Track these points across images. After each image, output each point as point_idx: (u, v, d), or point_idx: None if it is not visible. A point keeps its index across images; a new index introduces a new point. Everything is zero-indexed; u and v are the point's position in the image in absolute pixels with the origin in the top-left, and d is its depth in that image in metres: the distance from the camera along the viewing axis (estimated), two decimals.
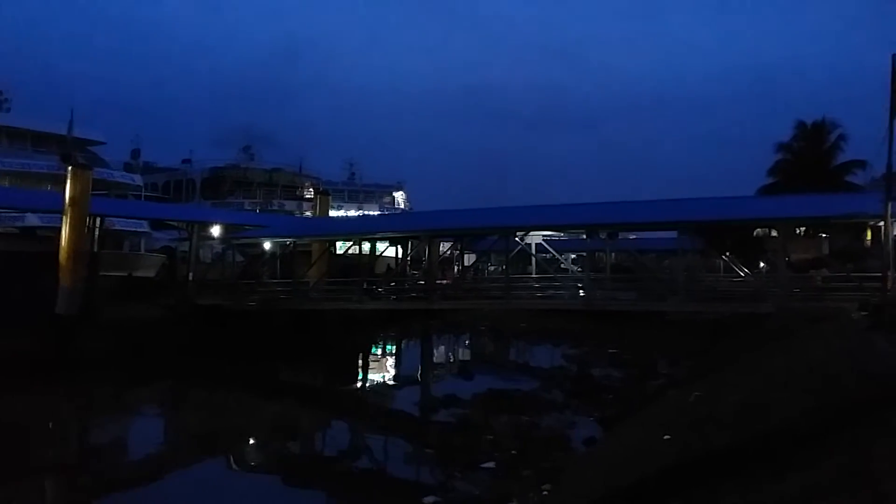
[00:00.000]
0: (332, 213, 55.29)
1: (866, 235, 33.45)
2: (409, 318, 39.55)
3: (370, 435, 20.97)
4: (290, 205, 62.14)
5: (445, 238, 42.16)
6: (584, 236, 34.53)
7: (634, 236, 49.81)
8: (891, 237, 19.79)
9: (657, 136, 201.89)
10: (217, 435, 19.93)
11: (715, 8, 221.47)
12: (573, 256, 51.96)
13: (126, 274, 35.12)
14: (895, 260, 19.90)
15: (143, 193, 52.00)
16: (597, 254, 42.61)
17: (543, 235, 38.50)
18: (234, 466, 17.60)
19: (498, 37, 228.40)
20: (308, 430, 22.14)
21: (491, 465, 15.09)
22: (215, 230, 39.79)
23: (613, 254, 43.90)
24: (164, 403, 25.37)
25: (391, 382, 31.18)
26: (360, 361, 34.45)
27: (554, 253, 38.04)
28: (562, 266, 39.79)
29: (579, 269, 40.03)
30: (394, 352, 40.83)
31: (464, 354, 40.95)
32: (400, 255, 42.92)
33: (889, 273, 19.23)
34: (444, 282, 38.53)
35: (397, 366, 36.47)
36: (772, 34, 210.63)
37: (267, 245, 38.14)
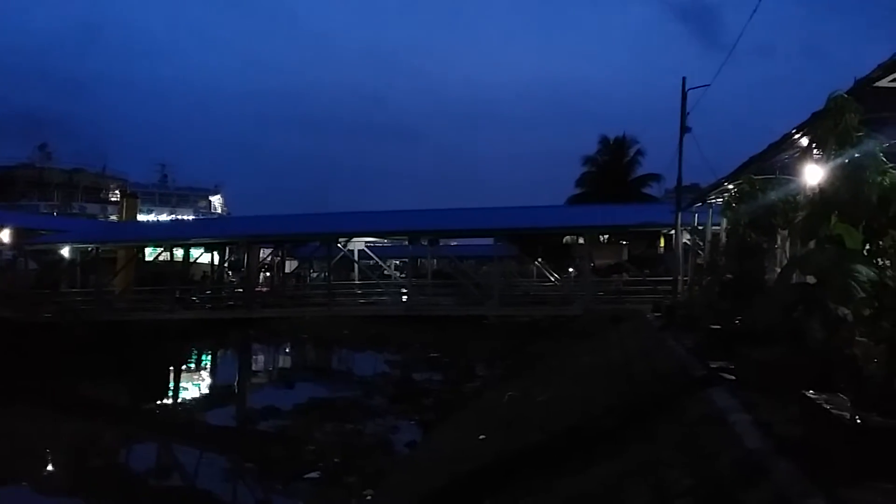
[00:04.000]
0: (142, 217, 52.17)
1: (660, 243, 36.62)
2: (226, 327, 37.97)
3: (184, 452, 19.90)
4: (92, 208, 57.97)
5: (265, 244, 41.05)
6: (407, 243, 35.06)
7: (455, 243, 51.26)
8: (681, 244, 21.86)
9: (475, 145, 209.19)
10: (8, 459, 17.98)
11: (529, 24, 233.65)
12: (396, 263, 52.48)
13: None
14: (684, 265, 21.99)
15: None
16: (419, 260, 43.40)
17: (366, 242, 38.59)
18: (29, 492, 15.98)
19: (317, 41, 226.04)
20: (114, 450, 20.58)
21: (314, 474, 14.89)
22: (4, 235, 36.09)
23: (435, 260, 44.88)
24: None
25: (207, 396, 29.77)
26: (173, 375, 32.59)
27: (377, 259, 38.21)
28: (385, 272, 40.03)
29: (402, 276, 40.47)
30: (210, 364, 39.02)
31: (285, 364, 39.99)
32: (217, 262, 41.23)
33: (679, 277, 21.19)
34: (264, 289, 37.52)
35: (213, 378, 34.89)
36: (583, 54, 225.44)
37: (65, 251, 35.10)
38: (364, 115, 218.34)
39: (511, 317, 33.28)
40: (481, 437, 10.84)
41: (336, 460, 15.63)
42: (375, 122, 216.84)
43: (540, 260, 38.60)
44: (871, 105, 5.65)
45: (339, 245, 32.98)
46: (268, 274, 43.96)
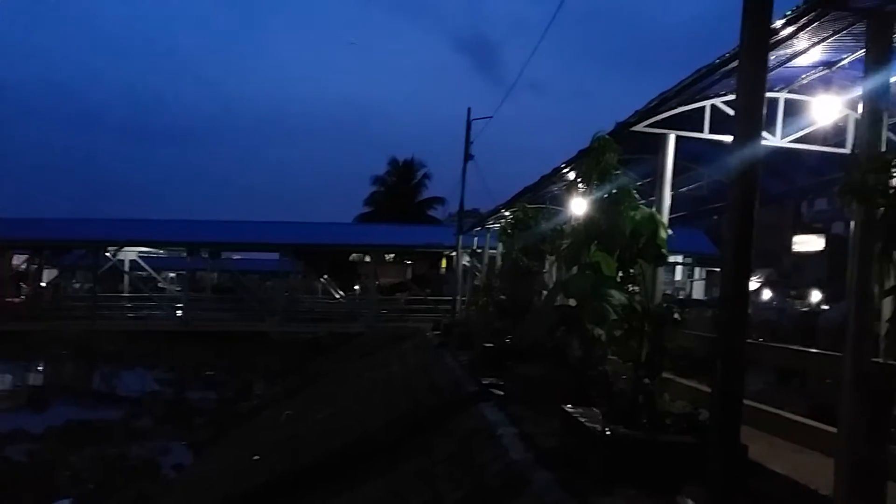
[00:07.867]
0: None
1: (442, 263, 38.02)
2: None
3: None
4: None
5: (20, 250, 36.93)
6: (185, 254, 33.34)
7: (238, 256, 49.43)
8: (461, 266, 22.86)
9: (264, 158, 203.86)
10: None
11: (325, 44, 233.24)
12: (173, 275, 49.52)
13: None
14: (463, 286, 23.00)
15: None
16: (198, 273, 41.34)
17: (139, 252, 36.11)
18: None
19: (89, 29, 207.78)
20: None
21: (66, 502, 13.64)
22: None
23: (216, 273, 42.95)
24: None
25: None
26: None
27: (150, 271, 35.91)
28: (159, 285, 37.68)
29: (178, 289, 38.35)
30: None
31: (37, 383, 36.02)
32: None
33: (458, 297, 22.12)
34: (16, 300, 33.78)
35: None
36: (376, 78, 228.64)
37: None
38: (143, 116, 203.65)
39: (294, 333, 32.77)
40: (256, 457, 10.52)
41: (91, 486, 14.42)
42: (156, 126, 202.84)
43: (326, 277, 38.45)
44: (629, 146, 6.32)
45: (107, 254, 30.58)
46: (31, 283, 39.52)
